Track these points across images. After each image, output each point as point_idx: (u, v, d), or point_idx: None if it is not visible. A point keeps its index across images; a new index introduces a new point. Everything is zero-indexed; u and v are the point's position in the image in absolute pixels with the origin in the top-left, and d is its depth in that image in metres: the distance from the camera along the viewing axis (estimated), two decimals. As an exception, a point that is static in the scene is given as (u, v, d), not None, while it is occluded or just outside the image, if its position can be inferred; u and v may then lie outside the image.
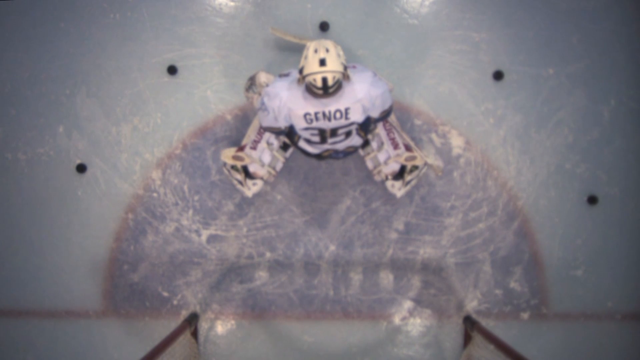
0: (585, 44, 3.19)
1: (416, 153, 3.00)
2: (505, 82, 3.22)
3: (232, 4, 3.19)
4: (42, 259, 3.34)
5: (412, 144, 3.05)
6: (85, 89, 3.24)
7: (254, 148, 3.03)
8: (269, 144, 3.04)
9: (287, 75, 2.63)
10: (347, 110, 2.51)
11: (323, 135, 2.64)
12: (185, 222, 3.31)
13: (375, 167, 3.11)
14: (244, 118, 3.23)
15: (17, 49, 3.24)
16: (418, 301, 3.35)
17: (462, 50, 3.19)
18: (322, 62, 2.33)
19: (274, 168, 3.09)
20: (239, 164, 3.02)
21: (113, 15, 3.20)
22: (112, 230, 3.32)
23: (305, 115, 2.53)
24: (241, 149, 3.03)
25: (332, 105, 2.49)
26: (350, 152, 2.81)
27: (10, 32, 3.23)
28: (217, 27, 3.20)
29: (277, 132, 2.68)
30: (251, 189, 3.13)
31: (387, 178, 3.11)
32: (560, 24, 3.18)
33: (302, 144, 2.75)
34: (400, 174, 3.08)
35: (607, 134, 3.24)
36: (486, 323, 3.29)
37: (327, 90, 2.38)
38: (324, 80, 2.35)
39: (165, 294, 3.35)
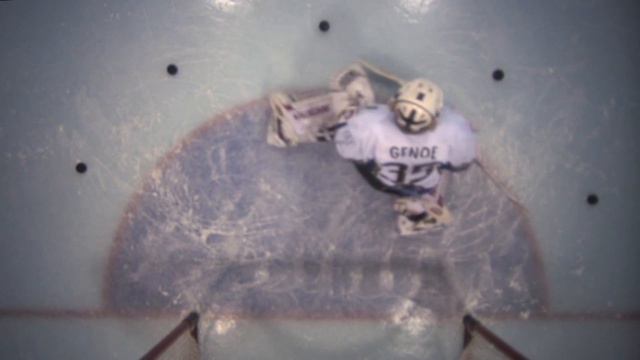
0: (586, 43, 3.19)
1: (443, 209, 2.95)
2: (505, 81, 3.22)
3: (232, 3, 3.19)
4: (42, 258, 3.34)
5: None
6: (85, 88, 3.24)
7: (296, 117, 2.99)
8: (309, 126, 3.01)
9: (374, 108, 2.60)
10: (434, 148, 2.49)
11: (402, 172, 2.60)
12: (185, 222, 3.31)
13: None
14: (244, 117, 3.23)
15: (17, 49, 3.23)
16: (418, 301, 3.35)
17: (462, 50, 3.19)
18: (420, 97, 2.32)
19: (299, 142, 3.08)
20: (275, 113, 2.99)
21: (113, 14, 3.20)
22: (112, 230, 3.32)
23: (391, 149, 2.49)
24: (289, 107, 2.98)
25: (420, 142, 2.47)
26: (424, 191, 2.77)
27: (10, 32, 3.22)
28: (217, 27, 3.20)
29: (358, 163, 2.67)
30: (274, 138, 3.08)
31: (404, 212, 3.10)
32: (560, 23, 3.18)
33: (379, 175, 2.70)
34: (417, 217, 3.08)
35: (607, 133, 3.24)
36: (486, 322, 3.28)
37: (410, 122, 2.36)
38: (413, 112, 2.33)
39: (165, 293, 3.35)
